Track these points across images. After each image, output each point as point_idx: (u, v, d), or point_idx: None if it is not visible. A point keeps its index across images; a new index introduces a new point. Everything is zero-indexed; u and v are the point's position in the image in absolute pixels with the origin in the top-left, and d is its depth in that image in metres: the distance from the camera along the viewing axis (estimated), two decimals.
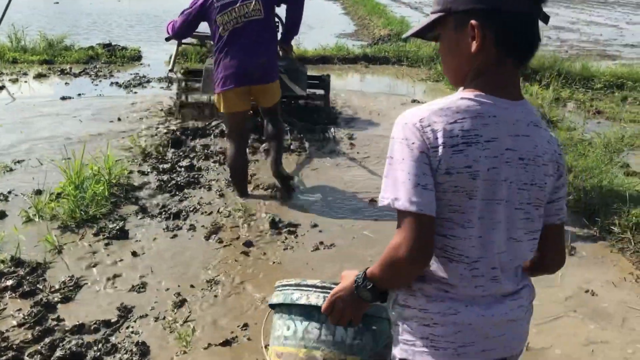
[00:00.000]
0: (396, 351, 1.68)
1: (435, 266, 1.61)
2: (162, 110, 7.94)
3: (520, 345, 1.72)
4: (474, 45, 1.58)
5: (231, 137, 5.34)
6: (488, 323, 1.61)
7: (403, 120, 1.59)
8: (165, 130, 7.14)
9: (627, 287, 3.88)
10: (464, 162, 1.54)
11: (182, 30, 5.39)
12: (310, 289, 1.93)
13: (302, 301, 1.92)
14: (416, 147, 1.54)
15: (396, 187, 1.55)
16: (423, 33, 1.75)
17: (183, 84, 7.79)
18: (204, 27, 5.47)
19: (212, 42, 5.38)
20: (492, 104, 1.58)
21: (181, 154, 6.33)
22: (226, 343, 3.27)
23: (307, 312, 1.92)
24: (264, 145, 6.54)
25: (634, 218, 4.39)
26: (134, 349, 3.20)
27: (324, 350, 1.88)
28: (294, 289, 1.96)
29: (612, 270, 4.10)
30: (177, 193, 5.35)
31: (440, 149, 1.53)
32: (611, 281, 3.94)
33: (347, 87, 9.69)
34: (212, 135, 7.01)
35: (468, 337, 1.60)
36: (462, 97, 1.59)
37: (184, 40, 6.85)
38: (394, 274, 1.61)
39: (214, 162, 6.14)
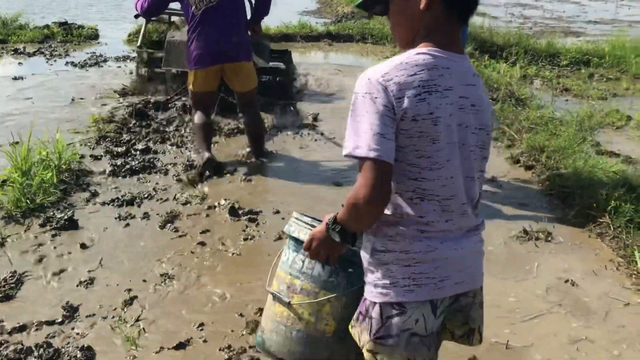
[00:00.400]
0: (374, 297, 1.79)
1: (410, 208, 1.76)
2: (116, 92, 7.52)
3: (480, 280, 1.92)
4: (422, 3, 1.76)
5: (196, 110, 5.36)
6: (460, 256, 1.81)
7: (366, 76, 1.74)
8: (126, 104, 6.89)
9: (609, 276, 3.69)
10: (427, 109, 1.70)
11: (151, 9, 5.28)
12: (302, 224, 2.11)
13: (294, 234, 2.12)
14: (379, 100, 1.69)
15: (357, 137, 1.69)
16: (372, 2, 1.92)
17: (145, 55, 7.45)
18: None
19: (174, 18, 5.20)
20: (445, 57, 1.76)
21: (136, 135, 5.98)
22: (180, 346, 3.00)
23: (297, 244, 2.10)
24: (226, 127, 6.24)
25: (612, 201, 4.20)
26: (78, 354, 2.91)
27: (303, 281, 2.09)
28: (294, 222, 2.15)
29: (592, 257, 3.90)
30: (132, 178, 5.03)
31: (405, 99, 1.69)
32: (591, 270, 3.74)
33: (310, 64, 9.37)
34: (174, 109, 6.74)
35: (445, 272, 1.77)
36: (417, 53, 1.76)
37: (153, 18, 6.72)
38: (355, 216, 1.75)
39: (171, 144, 5.80)
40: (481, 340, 1.97)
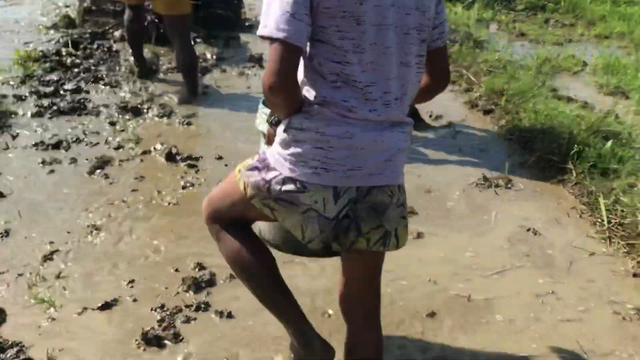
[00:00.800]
0: (280, 167, 1.76)
1: (333, 92, 1.70)
2: (46, 27, 6.91)
3: (399, 178, 1.82)
4: None
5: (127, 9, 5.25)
6: (379, 148, 1.74)
7: None
8: (60, 36, 6.43)
9: (572, 224, 3.48)
10: None
11: None
12: (265, 116, 2.12)
13: (260, 127, 2.21)
14: None
15: (268, 16, 1.63)
16: None
17: None
18: None
19: None
20: None
21: (66, 74, 5.46)
22: (106, 306, 2.65)
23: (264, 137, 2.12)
24: (165, 66, 5.78)
25: (575, 146, 3.98)
26: None
27: None
28: (259, 114, 2.24)
29: (554, 204, 3.67)
30: (59, 120, 4.58)
31: None
32: (554, 218, 3.51)
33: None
34: (112, 40, 6.33)
35: (357, 161, 1.72)
36: None
37: None
38: (269, 102, 1.72)
39: (105, 84, 5.32)
40: (398, 246, 1.87)
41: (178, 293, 2.76)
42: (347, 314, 2.02)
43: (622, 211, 3.45)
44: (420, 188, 3.81)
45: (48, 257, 2.98)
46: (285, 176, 1.75)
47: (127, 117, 4.67)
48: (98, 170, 3.85)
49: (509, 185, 3.86)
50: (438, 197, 3.73)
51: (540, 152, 4.13)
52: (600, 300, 2.85)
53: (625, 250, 3.21)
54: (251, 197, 1.84)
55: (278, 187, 1.76)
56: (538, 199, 3.75)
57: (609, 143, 4.07)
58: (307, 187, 1.73)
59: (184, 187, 3.69)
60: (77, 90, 5.14)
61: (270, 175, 1.78)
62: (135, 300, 2.71)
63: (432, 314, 2.70)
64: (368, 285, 1.97)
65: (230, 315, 2.64)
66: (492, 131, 4.71)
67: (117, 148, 4.17)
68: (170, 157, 4.02)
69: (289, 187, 1.75)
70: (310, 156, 1.71)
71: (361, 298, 1.98)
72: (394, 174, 1.79)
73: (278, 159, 1.78)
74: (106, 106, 4.85)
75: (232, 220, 2.02)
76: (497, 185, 3.86)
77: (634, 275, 3.04)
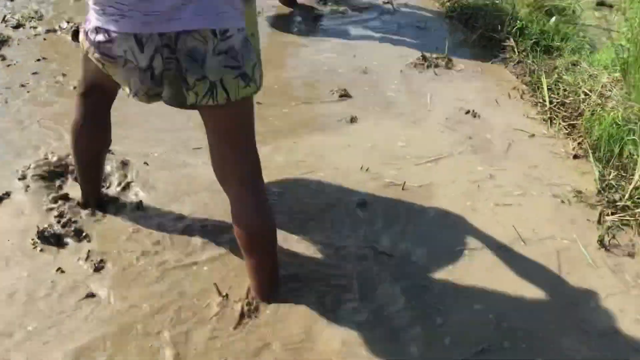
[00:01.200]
0: (93, 20, 1.69)
1: None
2: None
3: (211, 22, 1.65)
4: None
5: None
6: None
7: None
8: None
9: (512, 105, 3.27)
10: None
11: None
12: None
13: None
14: None
15: None
16: None
17: None
18: None
19: None
20: None
21: None
22: None
23: None
24: None
25: (518, 22, 3.72)
26: None
27: None
28: None
29: (494, 85, 3.45)
30: None
31: None
32: (494, 99, 3.30)
33: None
34: None
35: (153, 6, 1.61)
36: None
37: None
38: None
39: None
40: (230, 98, 1.73)
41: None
42: (220, 180, 1.94)
43: (565, 90, 3.27)
44: (356, 69, 3.54)
45: None
46: (96, 25, 1.69)
47: None
48: None
49: (449, 66, 3.62)
50: (374, 80, 3.47)
51: (482, 29, 3.87)
52: (540, 183, 2.70)
53: (567, 132, 3.05)
54: (86, 52, 1.81)
55: (93, 37, 1.71)
56: (478, 79, 3.53)
57: (553, 19, 3.84)
58: (112, 37, 1.68)
59: None
60: None
61: (88, 26, 1.74)
62: (29, 189, 2.42)
63: (363, 203, 2.51)
64: (229, 147, 1.86)
65: (141, 207, 2.39)
66: (433, 8, 4.41)
67: (17, 27, 3.74)
68: (77, 36, 3.58)
69: (100, 37, 1.69)
70: (107, 3, 1.64)
71: (226, 161, 1.89)
72: (199, 17, 1.65)
73: (90, 10, 1.72)
74: None
75: (91, 85, 2.05)
76: (436, 66, 3.61)
77: (575, 157, 2.89)
